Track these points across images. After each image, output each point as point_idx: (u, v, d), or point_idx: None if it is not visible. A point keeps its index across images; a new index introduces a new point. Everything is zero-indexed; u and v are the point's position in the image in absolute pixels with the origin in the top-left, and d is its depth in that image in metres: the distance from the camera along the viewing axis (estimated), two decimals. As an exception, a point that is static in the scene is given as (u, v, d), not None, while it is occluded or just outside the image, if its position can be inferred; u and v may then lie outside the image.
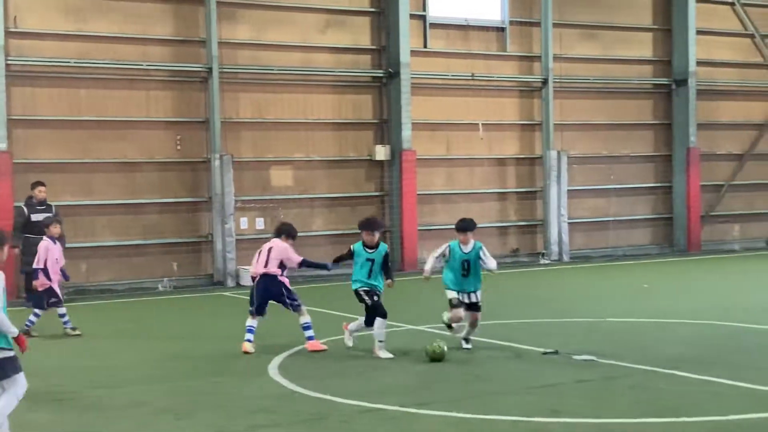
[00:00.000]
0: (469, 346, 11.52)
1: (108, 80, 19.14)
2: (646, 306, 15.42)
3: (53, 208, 17.11)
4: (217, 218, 19.74)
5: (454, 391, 9.35)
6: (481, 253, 11.35)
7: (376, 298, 11.38)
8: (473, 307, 11.45)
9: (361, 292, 11.42)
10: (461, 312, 11.36)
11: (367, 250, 11.47)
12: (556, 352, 11.09)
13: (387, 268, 11.57)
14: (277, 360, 11.11)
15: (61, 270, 13.67)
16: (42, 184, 17.10)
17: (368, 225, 11.72)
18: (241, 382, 10.06)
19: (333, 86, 21.33)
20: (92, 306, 17.18)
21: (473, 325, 11.55)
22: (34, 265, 13.48)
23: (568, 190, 23.50)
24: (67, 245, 17.31)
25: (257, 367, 10.76)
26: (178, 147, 19.74)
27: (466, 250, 11.36)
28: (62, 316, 13.55)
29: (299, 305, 11.82)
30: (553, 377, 9.87)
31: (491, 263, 11.42)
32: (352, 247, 11.65)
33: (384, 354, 11.21)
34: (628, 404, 8.72)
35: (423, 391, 9.38)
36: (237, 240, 19.92)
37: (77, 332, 13.50)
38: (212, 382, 10.13)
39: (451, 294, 11.38)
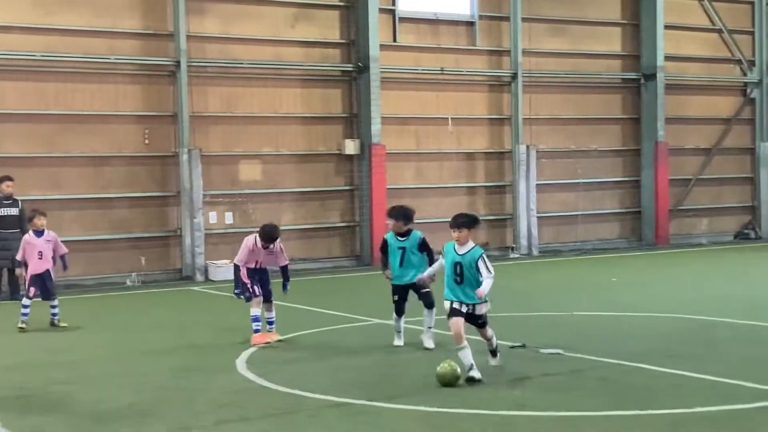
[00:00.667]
0: (497, 362, 9.88)
1: (76, 74, 18.99)
2: (613, 300, 15.52)
3: (20, 203, 16.99)
4: (185, 213, 19.65)
5: (421, 385, 9.36)
6: (479, 262, 9.41)
7: (396, 297, 11.22)
8: (474, 320, 9.56)
9: (392, 287, 11.26)
10: (460, 323, 9.37)
11: (398, 238, 11.22)
12: (523, 346, 11.11)
13: (430, 258, 11.13)
14: (245, 354, 11.07)
15: (61, 258, 13.75)
16: (9, 178, 16.99)
17: (391, 212, 11.47)
18: (209, 377, 10.02)
19: (302, 80, 21.29)
20: (60, 301, 17.00)
21: (486, 338, 9.81)
22: (17, 257, 13.77)
23: (537, 184, 23.60)
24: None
25: (225, 361, 10.72)
26: (146, 141, 19.62)
27: (461, 252, 9.49)
28: (24, 307, 13.44)
29: (244, 296, 11.82)
30: (519, 371, 9.89)
31: (485, 284, 9.36)
32: (384, 237, 11.44)
33: (396, 341, 11.33)
34: (595, 397, 8.77)
35: (390, 385, 9.39)
36: (206, 234, 19.86)
37: (23, 326, 13.33)
38: (179, 377, 10.09)
39: (446, 303, 9.61)
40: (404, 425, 7.97)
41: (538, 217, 23.66)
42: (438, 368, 9.25)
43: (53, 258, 13.68)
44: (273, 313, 11.99)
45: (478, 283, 9.38)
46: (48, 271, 13.59)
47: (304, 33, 21.30)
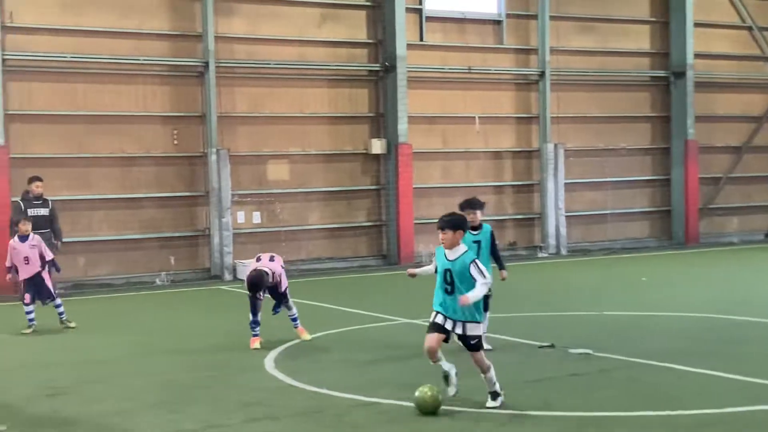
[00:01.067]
0: (494, 404, 8.29)
1: (104, 75, 19.12)
2: (643, 299, 15.42)
3: (50, 203, 17.09)
4: (214, 212, 19.74)
5: (449, 385, 9.34)
6: (472, 268, 8.19)
7: None
8: (465, 342, 8.30)
9: None
10: (434, 340, 8.24)
11: (471, 232, 10.57)
12: (552, 346, 11.07)
13: (497, 253, 10.88)
14: (273, 353, 11.11)
15: (52, 262, 13.74)
16: (39, 179, 17.06)
17: (468, 204, 10.84)
18: (237, 376, 10.06)
19: (329, 80, 21.32)
20: (90, 300, 17.20)
21: (481, 368, 8.34)
22: (6, 263, 13.79)
23: (565, 183, 23.50)
24: (65, 239, 17.42)
25: (253, 361, 10.75)
26: (175, 141, 19.73)
27: (451, 257, 8.30)
28: (27, 313, 13.44)
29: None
30: (548, 371, 9.87)
31: (476, 289, 8.10)
32: None
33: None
34: (623, 397, 8.71)
35: (418, 385, 9.28)
36: (234, 234, 19.94)
37: (27, 332, 13.32)
38: (208, 375, 10.14)
39: (432, 315, 8.43)
40: (431, 425, 7.95)
41: (566, 216, 23.55)
42: (417, 393, 8.18)
43: (45, 263, 13.62)
44: (293, 311, 11.97)
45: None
46: (39, 274, 13.53)
47: (331, 33, 21.33)
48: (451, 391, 8.38)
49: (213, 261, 19.84)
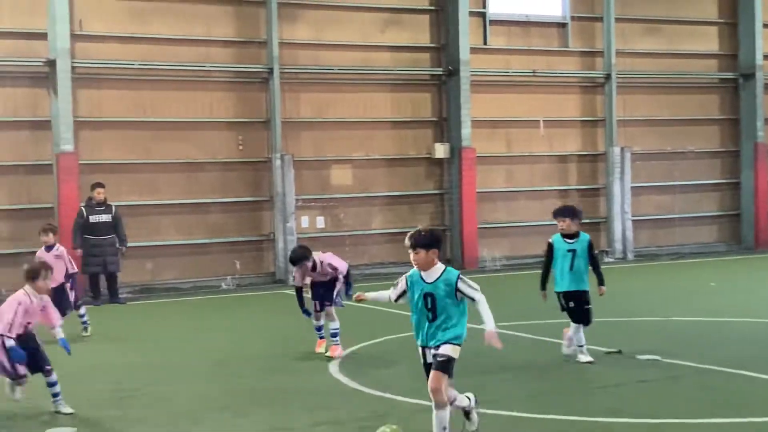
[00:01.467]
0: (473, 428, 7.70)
1: (171, 82, 19.37)
2: (712, 305, 15.14)
3: (113, 209, 17.33)
4: (278, 217, 19.87)
5: (514, 390, 9.27)
6: (461, 285, 7.13)
7: (572, 304, 10.44)
8: (433, 358, 7.24)
9: (560, 296, 10.48)
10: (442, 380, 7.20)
11: (566, 240, 10.48)
12: (619, 352, 10.93)
13: (596, 265, 10.56)
14: (337, 358, 11.12)
15: (70, 277, 13.13)
16: (101, 185, 17.33)
17: (560, 211, 10.71)
18: (302, 380, 10.11)
19: (392, 85, 21.33)
20: (157, 304, 17.44)
21: (435, 399, 7.19)
22: None
23: (631, 186, 23.20)
24: (133, 244, 17.71)
25: (318, 365, 10.80)
26: (240, 147, 19.92)
27: (430, 279, 7.21)
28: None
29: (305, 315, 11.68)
30: (615, 377, 9.74)
31: (485, 314, 7.17)
32: (550, 240, 10.65)
33: (584, 358, 10.42)
34: (692, 404, 8.57)
35: (482, 390, 9.24)
36: (298, 239, 20.02)
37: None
38: (273, 379, 10.20)
39: (420, 353, 7.45)
40: (496, 430, 7.89)
41: (633, 220, 23.24)
42: None
43: (67, 275, 13.01)
44: (334, 324, 11.43)
45: (458, 312, 7.22)
46: (62, 285, 12.72)
47: (394, 38, 21.35)
48: (471, 427, 7.68)
49: (277, 265, 19.97)
